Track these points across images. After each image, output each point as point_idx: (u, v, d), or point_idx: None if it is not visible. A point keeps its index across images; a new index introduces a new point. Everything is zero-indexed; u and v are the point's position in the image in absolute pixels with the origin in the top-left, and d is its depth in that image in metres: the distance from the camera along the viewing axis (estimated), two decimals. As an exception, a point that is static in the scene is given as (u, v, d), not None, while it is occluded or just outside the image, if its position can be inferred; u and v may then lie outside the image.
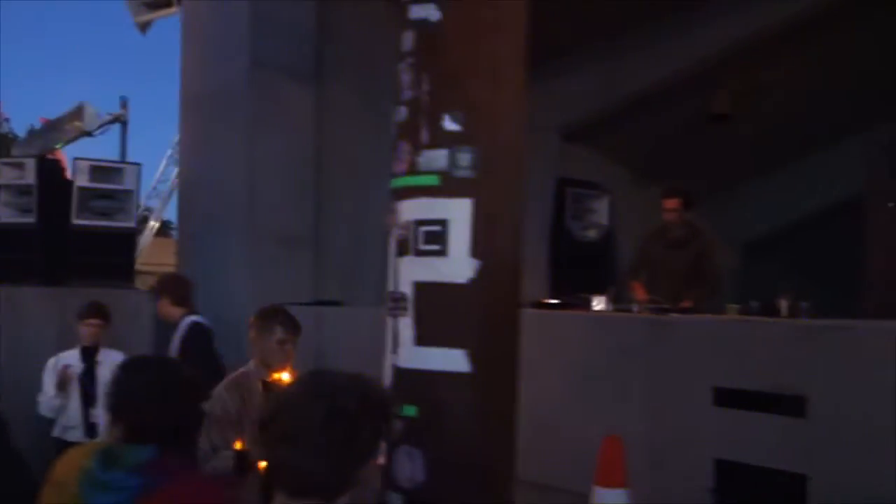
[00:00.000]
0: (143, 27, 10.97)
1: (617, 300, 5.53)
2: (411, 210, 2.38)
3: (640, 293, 6.26)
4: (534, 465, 3.22)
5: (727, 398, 3.45)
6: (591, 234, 8.18)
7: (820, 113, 7.31)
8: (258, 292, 6.38)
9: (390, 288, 2.44)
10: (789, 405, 3.24)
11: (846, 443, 3.06)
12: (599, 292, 5.55)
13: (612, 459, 2.79)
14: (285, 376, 3.34)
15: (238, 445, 2.95)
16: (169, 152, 14.98)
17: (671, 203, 6.24)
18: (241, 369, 3.47)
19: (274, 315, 3.48)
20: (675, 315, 4.33)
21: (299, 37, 6.94)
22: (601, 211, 8.33)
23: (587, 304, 5.37)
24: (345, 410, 1.53)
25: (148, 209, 10.01)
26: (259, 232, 6.65)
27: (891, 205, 5.02)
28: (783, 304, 4.91)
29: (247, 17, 6.81)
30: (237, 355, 4.08)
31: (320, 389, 1.56)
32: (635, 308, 5.33)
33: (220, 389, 3.34)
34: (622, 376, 3.83)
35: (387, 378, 2.42)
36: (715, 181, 7.95)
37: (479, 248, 2.32)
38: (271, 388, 3.36)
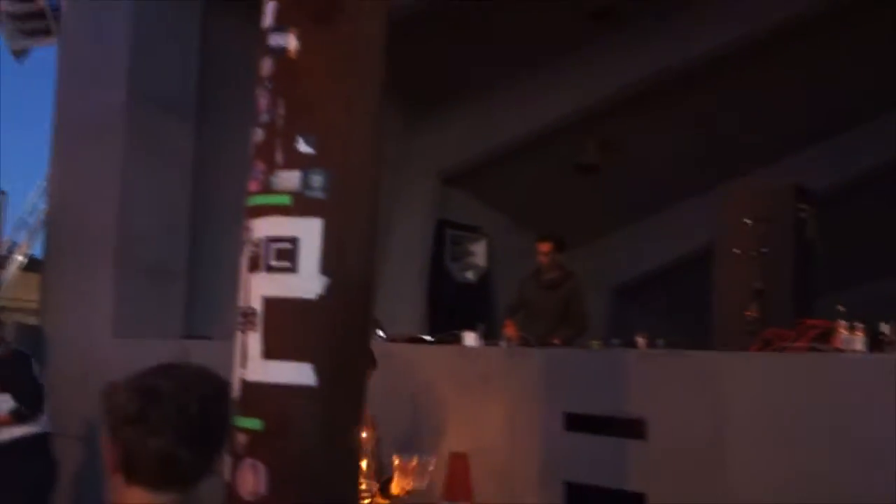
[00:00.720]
0: (19, 54, 10.62)
1: (488, 337, 5.71)
2: (264, 227, 2.46)
3: (511, 331, 6.47)
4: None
5: (576, 423, 3.63)
6: (469, 275, 8.45)
7: (682, 166, 7.82)
8: (124, 326, 6.24)
9: (240, 303, 2.50)
10: (631, 428, 3.45)
11: (680, 461, 3.28)
12: (473, 330, 5.71)
13: (458, 475, 2.90)
14: None
15: None
16: (41, 183, 14.40)
17: (544, 247, 6.52)
18: None
19: None
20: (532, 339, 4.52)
21: (181, 71, 6.93)
22: (479, 253, 8.63)
23: (459, 340, 5.52)
24: (206, 398, 1.57)
25: (14, 243, 9.62)
26: (128, 265, 6.53)
27: (736, 251, 5.35)
28: (640, 342, 5.21)
29: (127, 50, 6.76)
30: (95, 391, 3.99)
31: (182, 380, 1.59)
32: (503, 344, 5.52)
33: None
34: (482, 402, 3.98)
35: (235, 391, 2.46)
36: (586, 228, 8.34)
37: (328, 265, 2.42)
38: None
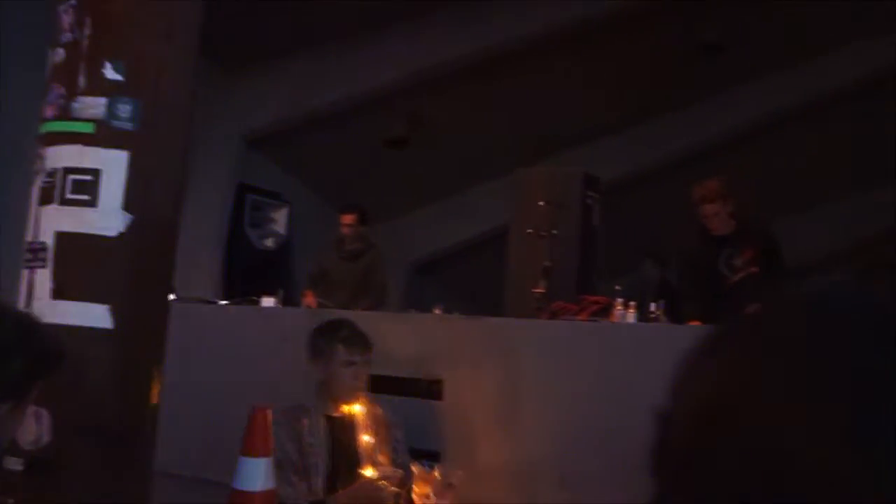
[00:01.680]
0: None
1: (287, 305, 5.63)
2: (60, 157, 2.27)
3: (310, 300, 6.43)
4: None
5: (379, 385, 3.68)
6: (269, 242, 8.25)
7: (486, 148, 8.11)
8: None
9: (28, 238, 2.29)
10: (428, 389, 3.56)
11: (474, 420, 3.43)
12: (271, 296, 5.61)
13: (259, 428, 2.84)
14: (357, 408, 2.69)
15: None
16: None
17: (347, 218, 6.50)
18: (301, 402, 2.73)
19: (334, 330, 2.78)
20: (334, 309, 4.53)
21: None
22: (280, 220, 8.45)
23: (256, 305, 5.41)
24: None
25: None
26: None
27: (529, 231, 5.61)
28: (437, 313, 5.38)
29: None
30: None
31: None
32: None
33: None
34: (283, 361, 3.92)
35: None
36: (389, 203, 8.42)
37: (132, 202, 2.28)
38: (338, 424, 2.68)
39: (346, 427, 2.73)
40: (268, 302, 5.39)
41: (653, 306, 4.67)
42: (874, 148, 7.79)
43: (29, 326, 1.51)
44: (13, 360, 1.46)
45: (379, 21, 7.22)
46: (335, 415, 2.71)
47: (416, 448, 3.52)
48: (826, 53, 7.76)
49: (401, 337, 3.76)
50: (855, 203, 8.99)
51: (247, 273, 7.68)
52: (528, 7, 6.97)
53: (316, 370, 2.75)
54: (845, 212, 9.01)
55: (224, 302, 5.69)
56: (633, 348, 3.58)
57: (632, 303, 4.52)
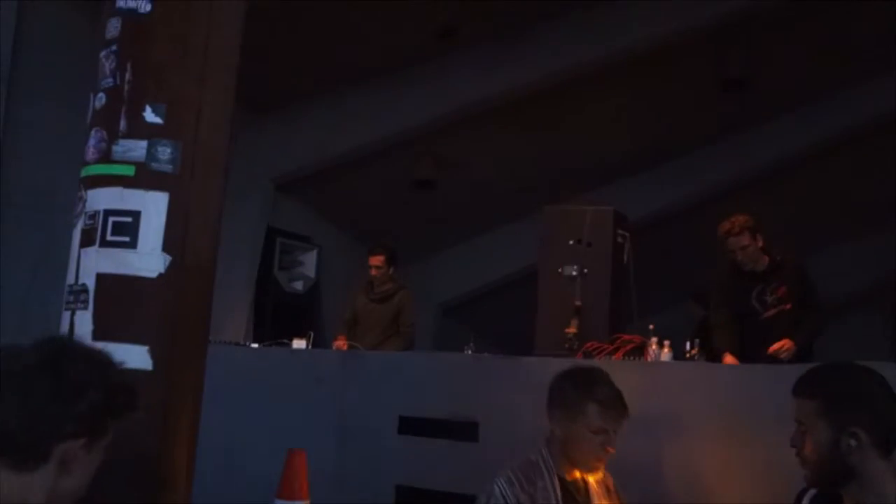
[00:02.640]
0: None
1: (316, 347, 5.63)
2: (101, 199, 2.29)
3: (340, 342, 6.43)
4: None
5: (409, 426, 3.64)
6: (298, 285, 8.29)
7: (516, 185, 8.13)
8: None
9: (70, 281, 2.31)
10: (463, 431, 3.51)
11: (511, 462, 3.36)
12: (302, 338, 5.62)
13: (295, 472, 2.82)
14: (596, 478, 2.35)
15: None
16: None
17: (376, 260, 6.52)
18: (529, 457, 2.43)
19: (589, 384, 2.36)
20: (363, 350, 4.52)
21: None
22: (309, 263, 8.49)
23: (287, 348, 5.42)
24: (58, 366, 1.41)
25: None
26: None
27: (559, 269, 5.57)
28: (468, 353, 5.34)
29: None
30: None
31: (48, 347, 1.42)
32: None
33: (502, 487, 2.36)
34: (315, 404, 3.90)
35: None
36: (417, 244, 8.44)
37: (171, 243, 2.29)
38: (571, 488, 2.36)
39: (580, 493, 2.41)
40: (298, 344, 5.39)
41: (688, 345, 4.61)
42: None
43: (104, 362, 1.52)
44: (90, 393, 1.45)
45: (404, 64, 7.32)
46: (569, 478, 2.39)
47: (451, 493, 3.47)
48: (853, 88, 7.72)
49: (433, 378, 3.73)
50: (888, 239, 8.86)
51: (276, 316, 7.71)
52: (551, 48, 7.03)
53: (556, 423, 2.37)
54: (879, 247, 8.88)
55: (255, 345, 5.70)
56: (671, 387, 3.52)
57: (666, 341, 4.46)
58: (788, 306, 4.76)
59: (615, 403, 2.32)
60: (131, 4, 2.33)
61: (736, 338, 4.68)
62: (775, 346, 4.38)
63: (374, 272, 6.54)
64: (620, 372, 3.71)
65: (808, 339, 4.52)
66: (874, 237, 8.86)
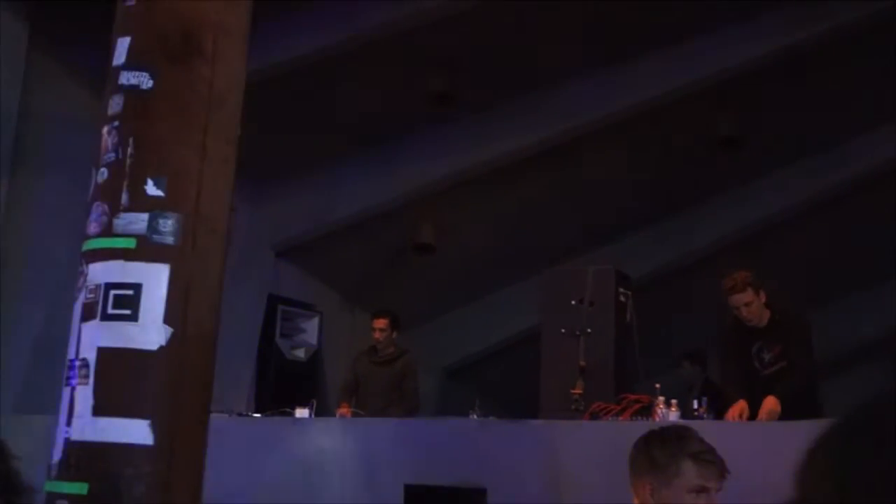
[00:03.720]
0: None
1: (319, 415, 5.57)
2: (103, 273, 2.30)
3: (344, 410, 6.36)
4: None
5: (417, 495, 3.58)
6: (300, 353, 8.24)
7: (515, 248, 8.15)
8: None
9: (70, 356, 2.29)
10: (470, 498, 3.44)
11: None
12: (304, 407, 5.56)
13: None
14: None
15: None
16: None
17: (380, 322, 6.50)
18: None
19: (680, 441, 2.11)
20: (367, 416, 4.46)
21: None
22: (311, 330, 8.45)
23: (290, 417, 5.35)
24: None
25: None
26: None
27: (562, 330, 5.54)
28: (475, 418, 5.28)
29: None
30: None
31: None
32: (337, 420, 5.41)
33: None
34: (319, 474, 3.84)
35: (57, 453, 2.23)
36: (418, 309, 8.41)
37: (173, 315, 2.28)
38: None
39: None
40: (301, 413, 5.32)
41: (695, 403, 4.56)
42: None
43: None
44: None
45: (401, 130, 7.43)
46: None
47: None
48: (847, 143, 7.82)
49: (439, 444, 3.67)
50: (887, 291, 8.85)
51: (278, 385, 7.64)
52: (547, 113, 7.15)
53: (645, 490, 2.11)
54: (886, 297, 8.86)
55: (257, 415, 5.63)
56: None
57: (673, 401, 4.42)
58: (785, 364, 4.72)
59: (712, 457, 2.08)
60: (133, 81, 2.38)
61: (744, 388, 4.63)
62: (762, 416, 4.27)
63: (377, 335, 6.51)
64: (630, 433, 3.66)
65: (789, 391, 4.41)
66: (880, 287, 8.85)
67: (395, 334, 6.48)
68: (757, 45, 6.82)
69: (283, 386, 7.51)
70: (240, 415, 5.41)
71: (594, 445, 3.53)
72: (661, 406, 4.37)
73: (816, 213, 8.18)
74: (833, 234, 8.25)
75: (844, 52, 6.87)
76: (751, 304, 4.60)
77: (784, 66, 6.95)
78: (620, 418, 4.23)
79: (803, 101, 7.23)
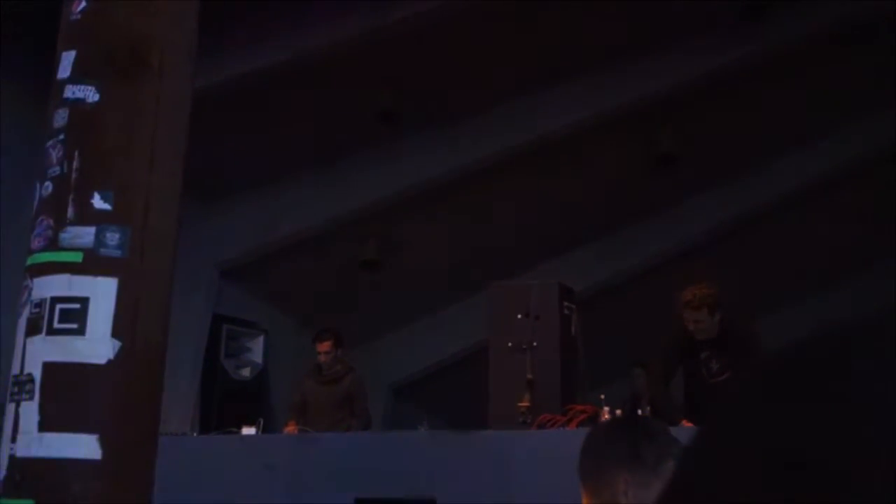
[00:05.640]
0: None
1: (267, 432, 5.53)
2: (48, 287, 2.27)
3: (291, 429, 6.31)
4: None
5: (368, 508, 3.59)
6: (245, 371, 8.14)
7: (460, 264, 8.21)
8: None
9: (14, 371, 2.26)
10: (422, 509, 3.47)
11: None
12: (251, 426, 5.51)
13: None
14: None
15: None
16: None
17: (324, 346, 6.47)
18: None
19: (668, 439, 1.81)
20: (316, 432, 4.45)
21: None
22: (256, 349, 8.37)
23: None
24: None
25: None
26: None
27: (509, 344, 5.60)
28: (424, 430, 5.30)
29: None
30: None
31: None
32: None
33: None
34: (268, 491, 3.81)
35: (1, 470, 2.18)
36: (366, 325, 8.40)
37: (120, 328, 2.27)
38: None
39: None
40: (248, 431, 5.28)
41: (638, 412, 4.66)
42: (840, 245, 8.04)
43: None
44: None
45: (345, 148, 7.46)
46: None
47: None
48: (782, 156, 8.12)
49: (389, 457, 3.69)
50: (833, 297, 9.16)
51: (224, 405, 7.54)
52: (488, 131, 7.28)
53: (618, 486, 1.80)
54: (820, 309, 9.17)
55: (201, 435, 5.56)
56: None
57: (618, 411, 4.51)
58: (731, 374, 4.85)
59: None
60: (79, 95, 2.37)
61: (674, 394, 4.77)
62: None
63: (322, 358, 6.48)
64: (576, 442, 3.75)
65: None
66: (816, 299, 9.16)
67: (339, 352, 6.46)
68: (691, 66, 7.06)
69: (228, 406, 7.41)
70: (184, 435, 5.33)
71: (542, 453, 3.59)
72: (607, 416, 4.46)
73: (751, 227, 8.46)
74: (769, 247, 8.53)
75: (776, 72, 7.16)
76: (700, 323, 4.71)
77: (718, 85, 7.20)
78: (567, 428, 4.30)
79: (737, 120, 7.49)
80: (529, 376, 5.25)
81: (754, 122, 7.59)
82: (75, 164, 2.32)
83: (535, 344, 5.33)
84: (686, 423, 4.35)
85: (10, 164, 6.16)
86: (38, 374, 2.21)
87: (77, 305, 2.24)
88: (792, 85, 7.31)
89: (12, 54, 6.14)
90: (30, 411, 2.19)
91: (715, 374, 4.86)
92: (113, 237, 2.30)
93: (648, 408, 4.73)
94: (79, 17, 2.41)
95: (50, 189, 2.34)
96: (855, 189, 8.01)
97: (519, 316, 5.46)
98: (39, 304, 2.26)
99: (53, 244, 2.29)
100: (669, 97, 7.16)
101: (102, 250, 2.28)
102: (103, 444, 2.18)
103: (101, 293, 2.26)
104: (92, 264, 2.27)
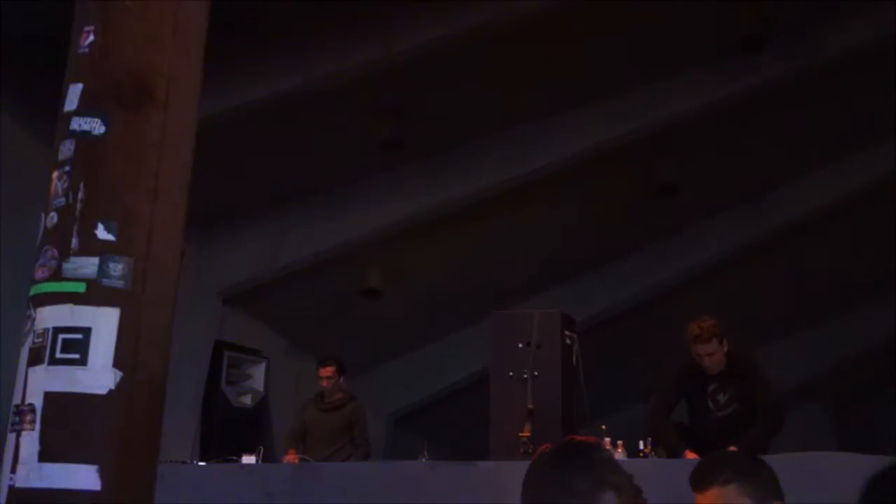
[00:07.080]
0: None
1: (267, 459, 5.51)
2: (51, 317, 2.28)
3: (291, 457, 6.28)
4: None
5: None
6: (247, 399, 8.13)
7: (462, 293, 8.22)
8: None
9: (16, 401, 2.27)
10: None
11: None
12: (251, 454, 5.50)
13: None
14: None
15: None
16: None
17: (326, 371, 6.47)
18: None
19: (604, 467, 1.77)
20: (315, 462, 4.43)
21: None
22: (257, 377, 8.36)
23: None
24: None
25: None
26: None
27: (510, 374, 5.58)
28: (425, 461, 5.27)
29: None
30: None
31: None
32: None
33: None
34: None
35: (1, 501, 2.19)
36: (368, 353, 8.41)
37: (122, 359, 2.28)
38: None
39: None
40: (248, 459, 5.26)
41: (641, 444, 4.63)
42: (840, 275, 8.04)
43: None
44: None
45: (348, 176, 7.51)
46: None
47: None
48: (783, 187, 8.15)
49: (389, 488, 3.68)
50: (832, 328, 9.15)
51: (224, 432, 7.52)
52: (491, 161, 7.33)
53: None
54: (814, 341, 9.16)
55: (202, 463, 5.54)
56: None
57: (619, 441, 4.49)
58: (738, 406, 4.82)
59: (635, 490, 1.84)
60: (85, 127, 2.40)
61: (675, 429, 4.74)
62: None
63: (325, 384, 6.47)
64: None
65: (758, 442, 4.49)
66: (809, 330, 9.15)
67: (341, 379, 6.46)
68: (691, 98, 7.12)
69: (229, 433, 7.40)
70: (184, 463, 5.32)
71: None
72: (608, 446, 4.44)
73: (753, 256, 8.47)
74: (769, 279, 8.54)
75: (776, 104, 7.22)
76: (713, 355, 4.69)
77: (718, 116, 7.26)
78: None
79: (738, 150, 7.54)
80: (530, 406, 5.23)
81: (755, 152, 7.64)
82: (80, 195, 2.35)
83: (536, 373, 5.31)
84: (690, 455, 4.32)
85: (9, 192, 6.20)
86: (39, 404, 2.22)
87: (79, 336, 2.25)
88: (792, 115, 7.36)
89: (11, 79, 6.20)
90: (30, 442, 2.19)
91: (722, 407, 4.84)
92: (116, 267, 2.32)
93: (649, 439, 4.71)
94: (87, 50, 2.45)
95: (55, 220, 2.36)
96: (855, 219, 8.04)
97: (520, 345, 5.45)
98: (42, 334, 2.28)
99: (57, 274, 2.31)
100: (670, 128, 7.21)
101: (105, 280, 2.30)
102: (103, 474, 2.18)
103: (103, 323, 2.27)
104: (94, 294, 2.28)
